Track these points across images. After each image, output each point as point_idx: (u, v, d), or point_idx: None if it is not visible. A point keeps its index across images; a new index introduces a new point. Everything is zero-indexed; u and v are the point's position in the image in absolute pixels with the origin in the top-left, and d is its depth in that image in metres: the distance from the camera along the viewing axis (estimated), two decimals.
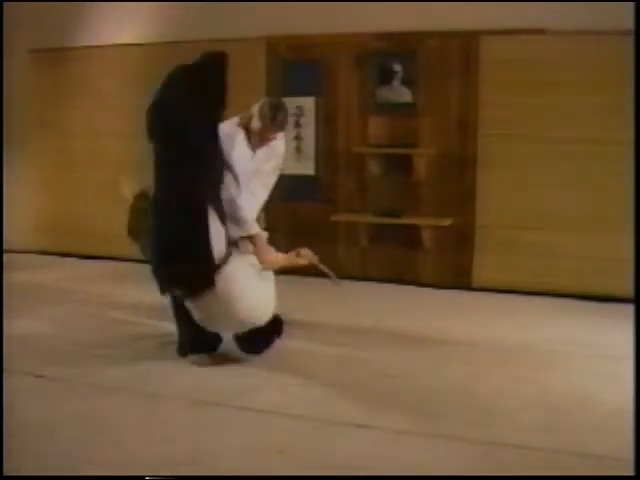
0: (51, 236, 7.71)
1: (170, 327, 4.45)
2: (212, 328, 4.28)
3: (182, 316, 4.32)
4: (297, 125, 6.58)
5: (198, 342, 4.32)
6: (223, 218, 4.17)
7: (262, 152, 4.38)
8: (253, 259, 4.28)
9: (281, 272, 4.48)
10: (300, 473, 2.96)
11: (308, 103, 6.57)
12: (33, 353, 4.42)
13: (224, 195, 4.23)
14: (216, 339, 4.40)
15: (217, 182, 4.20)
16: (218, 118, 4.22)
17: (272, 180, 4.51)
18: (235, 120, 4.39)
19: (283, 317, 4.43)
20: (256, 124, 4.27)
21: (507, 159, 6.03)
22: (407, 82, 6.29)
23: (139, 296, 5.46)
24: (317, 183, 6.65)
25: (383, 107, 6.39)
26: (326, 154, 6.61)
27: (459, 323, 5.20)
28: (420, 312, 5.53)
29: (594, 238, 5.81)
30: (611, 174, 5.67)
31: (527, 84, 5.90)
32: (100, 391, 3.82)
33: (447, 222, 6.20)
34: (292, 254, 4.46)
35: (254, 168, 4.37)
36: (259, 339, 4.34)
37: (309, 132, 6.60)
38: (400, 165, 6.32)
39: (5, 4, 7.11)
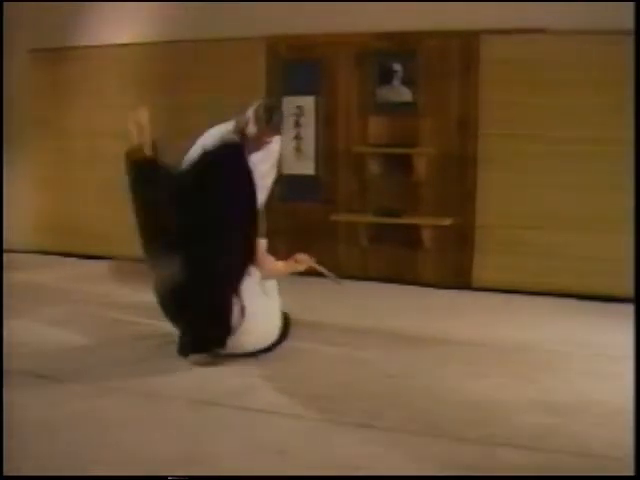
0: (51, 236, 7.71)
1: (170, 327, 4.45)
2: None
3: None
4: (297, 125, 6.59)
5: (199, 342, 4.33)
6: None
7: (258, 155, 4.34)
8: (255, 272, 4.30)
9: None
10: (300, 473, 2.95)
11: (308, 103, 6.57)
12: (33, 353, 4.41)
13: None
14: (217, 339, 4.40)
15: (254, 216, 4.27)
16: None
17: (269, 181, 4.49)
18: (230, 126, 4.34)
19: None
20: (252, 129, 4.22)
21: (507, 159, 6.03)
22: (407, 82, 6.29)
23: (139, 296, 5.44)
24: (317, 183, 6.65)
25: (383, 107, 6.39)
26: (326, 154, 6.61)
27: (459, 323, 5.19)
28: (420, 312, 5.53)
29: (594, 238, 5.81)
30: (611, 174, 5.67)
31: (527, 84, 5.90)
32: (100, 391, 3.81)
33: (447, 222, 6.20)
34: (291, 260, 4.50)
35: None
36: None
37: (309, 132, 6.60)
38: (400, 165, 6.32)
39: (5, 4, 7.11)
